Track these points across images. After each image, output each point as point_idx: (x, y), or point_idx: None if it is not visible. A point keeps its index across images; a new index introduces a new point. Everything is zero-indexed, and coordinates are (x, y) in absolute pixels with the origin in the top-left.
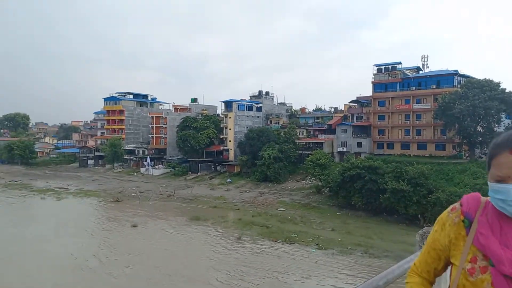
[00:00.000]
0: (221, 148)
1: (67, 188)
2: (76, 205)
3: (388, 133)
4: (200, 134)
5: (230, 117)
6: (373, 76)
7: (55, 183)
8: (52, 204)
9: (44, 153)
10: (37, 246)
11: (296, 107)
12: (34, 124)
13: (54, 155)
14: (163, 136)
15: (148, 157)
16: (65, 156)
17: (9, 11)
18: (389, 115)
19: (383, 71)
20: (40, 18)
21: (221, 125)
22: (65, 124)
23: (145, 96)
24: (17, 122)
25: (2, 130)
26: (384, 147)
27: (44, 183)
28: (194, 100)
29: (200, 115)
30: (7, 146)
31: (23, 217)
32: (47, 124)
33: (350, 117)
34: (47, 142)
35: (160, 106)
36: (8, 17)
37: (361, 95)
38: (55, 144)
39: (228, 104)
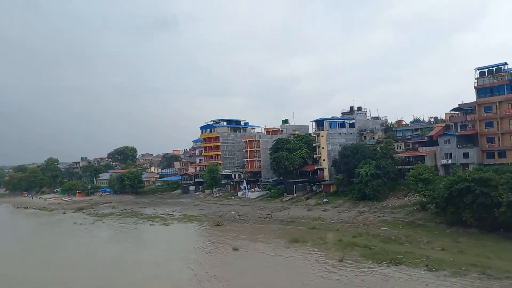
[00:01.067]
0: (315, 167)
1: (172, 214)
2: (181, 230)
3: (499, 141)
4: (293, 154)
5: (322, 136)
6: (476, 81)
7: (161, 210)
8: (160, 229)
9: (151, 182)
10: (158, 271)
11: (391, 120)
12: (141, 155)
13: (159, 184)
14: (257, 159)
15: (244, 180)
16: (169, 184)
17: (123, 50)
18: (498, 121)
19: (486, 74)
20: (147, 53)
21: (314, 145)
22: (167, 153)
23: (238, 122)
24: (126, 154)
25: (114, 163)
26: (495, 156)
27: (152, 210)
28: (285, 121)
29: (292, 136)
30: (119, 178)
31: (138, 243)
32: (152, 154)
33: (453, 126)
34: (152, 172)
35: (253, 130)
36: (121, 55)
37: (463, 102)
38: (160, 173)
39: (319, 123)
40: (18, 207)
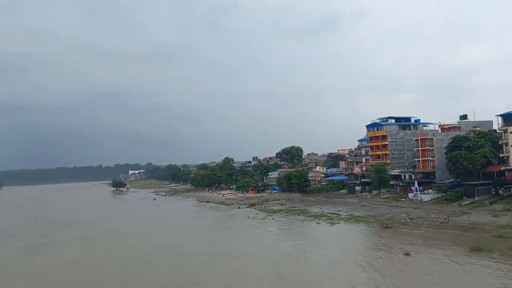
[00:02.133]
0: (502, 168)
1: (338, 213)
2: (348, 230)
3: None
4: (474, 154)
5: (511, 132)
6: None
7: (327, 208)
8: (326, 228)
9: (316, 181)
10: (331, 271)
11: None
12: (306, 155)
13: (325, 183)
14: (430, 159)
15: (416, 181)
16: (334, 184)
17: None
18: None
19: None
20: (314, 55)
21: (500, 142)
22: (332, 153)
23: (408, 119)
24: (293, 154)
25: (281, 162)
26: None
27: (318, 209)
28: (463, 117)
29: (471, 133)
30: (286, 176)
31: (308, 240)
32: (317, 154)
33: None
34: (318, 171)
35: (425, 128)
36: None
37: None
38: (325, 172)
39: (507, 117)
40: (201, 201)
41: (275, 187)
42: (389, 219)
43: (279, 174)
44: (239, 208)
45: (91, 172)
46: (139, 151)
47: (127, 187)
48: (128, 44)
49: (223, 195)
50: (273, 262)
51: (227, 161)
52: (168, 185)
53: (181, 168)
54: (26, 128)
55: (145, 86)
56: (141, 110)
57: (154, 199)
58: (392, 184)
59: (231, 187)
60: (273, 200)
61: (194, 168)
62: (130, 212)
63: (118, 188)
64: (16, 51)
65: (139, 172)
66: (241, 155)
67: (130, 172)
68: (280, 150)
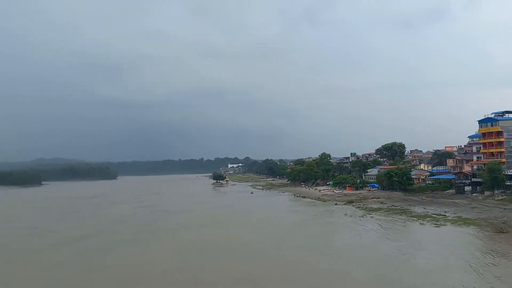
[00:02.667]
0: None
1: (445, 215)
2: (455, 233)
3: None
4: None
5: None
6: None
7: (432, 209)
8: (431, 230)
9: (420, 179)
10: (438, 278)
11: None
12: (409, 152)
13: (430, 182)
14: None
15: None
16: (441, 183)
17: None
18: None
19: None
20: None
21: None
22: (438, 150)
23: None
24: (394, 151)
25: (381, 159)
26: None
27: (421, 209)
28: None
29: None
30: (387, 174)
31: (411, 243)
32: (421, 151)
33: None
34: (422, 169)
35: None
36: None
37: None
38: (430, 171)
39: None
40: (297, 196)
41: (374, 184)
42: (504, 223)
43: (378, 171)
44: (336, 204)
45: (194, 165)
46: (238, 145)
47: (226, 180)
48: (233, 42)
49: (319, 191)
50: (372, 262)
51: (324, 157)
52: (265, 179)
53: (278, 163)
54: (137, 123)
55: (245, 82)
56: (241, 106)
57: (252, 193)
58: (508, 185)
59: (327, 183)
60: (372, 198)
61: (291, 163)
62: (230, 204)
63: (218, 181)
64: (130, 51)
65: (238, 166)
66: (338, 151)
67: (229, 165)
68: (380, 146)
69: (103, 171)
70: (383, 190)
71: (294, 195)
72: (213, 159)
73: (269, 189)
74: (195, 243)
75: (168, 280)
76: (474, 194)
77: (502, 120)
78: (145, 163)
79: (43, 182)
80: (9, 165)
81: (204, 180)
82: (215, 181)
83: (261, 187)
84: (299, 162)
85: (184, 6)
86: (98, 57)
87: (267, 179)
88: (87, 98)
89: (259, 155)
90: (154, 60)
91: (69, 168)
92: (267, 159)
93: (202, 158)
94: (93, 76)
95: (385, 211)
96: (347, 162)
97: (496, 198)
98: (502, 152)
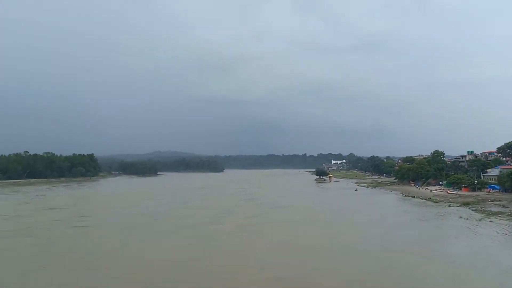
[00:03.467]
0: None
1: None
2: None
3: None
4: None
5: None
6: None
7: None
8: None
9: None
10: None
11: None
12: None
13: None
14: None
15: None
16: None
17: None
18: None
19: None
20: None
21: None
22: None
23: None
24: None
25: (504, 158)
26: None
27: None
28: None
29: None
30: (510, 174)
31: None
32: None
33: None
34: None
35: None
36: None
37: None
38: None
39: None
40: (405, 196)
41: (495, 186)
42: None
43: (500, 171)
44: (449, 206)
45: (296, 160)
46: (341, 141)
47: (330, 176)
48: (336, 37)
49: (430, 190)
50: (496, 275)
51: (437, 155)
52: (370, 177)
53: (384, 160)
54: (241, 119)
55: (347, 77)
56: (344, 101)
57: (356, 190)
58: None
59: (440, 182)
60: (491, 201)
61: (399, 161)
62: (332, 201)
63: (320, 177)
64: (237, 49)
65: (341, 163)
66: (451, 149)
67: (333, 162)
68: (503, 144)
69: (211, 164)
70: (505, 192)
71: (402, 194)
72: (316, 155)
73: (375, 187)
74: (292, 242)
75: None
76: None
77: None
78: (250, 157)
79: (158, 173)
80: (131, 156)
81: (306, 176)
82: (318, 177)
83: (366, 185)
84: (408, 159)
85: (287, 3)
86: (210, 55)
87: (373, 177)
88: (198, 94)
89: (364, 152)
90: (259, 57)
91: (181, 160)
92: (373, 156)
93: (305, 154)
94: (204, 74)
95: (508, 216)
96: (463, 161)
97: None
98: None
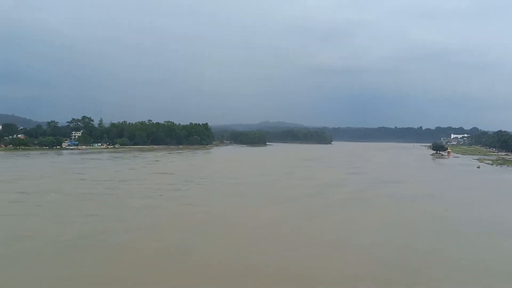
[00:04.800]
0: None
1: None
2: None
3: None
4: None
5: None
6: None
7: None
8: None
9: None
10: None
11: None
12: None
13: None
14: None
15: None
16: None
17: None
18: None
19: None
20: None
21: None
22: None
23: None
24: None
25: None
26: None
27: None
28: None
29: None
30: None
31: None
32: None
33: None
34: None
35: None
36: None
37: None
38: None
39: None
40: None
41: None
42: None
43: None
44: None
45: (411, 133)
46: (463, 114)
47: (448, 152)
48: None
49: None
50: None
51: None
52: (496, 153)
53: None
54: (351, 89)
55: (468, 43)
56: (467, 70)
57: (478, 167)
58: None
59: None
60: None
61: None
62: (449, 179)
63: (438, 152)
64: (345, 17)
65: (462, 137)
66: None
67: (452, 136)
68: None
69: (319, 136)
70: None
71: None
72: (433, 128)
73: (501, 164)
74: (404, 220)
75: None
76: None
77: None
78: (359, 130)
79: (267, 143)
80: (241, 126)
81: (421, 150)
82: (435, 152)
83: (489, 162)
84: None
85: None
86: (318, 23)
87: (499, 153)
88: (307, 64)
89: (489, 126)
90: (370, 23)
91: (289, 131)
92: (500, 130)
93: (420, 127)
94: (312, 43)
95: None
96: None
97: None
98: None
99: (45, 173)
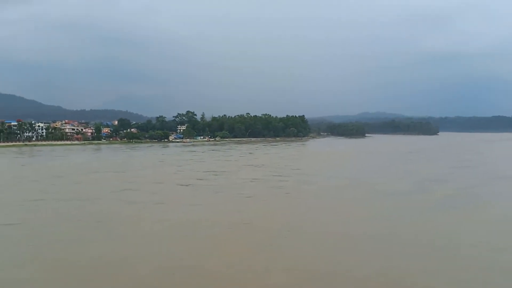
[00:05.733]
0: None
1: None
2: None
3: None
4: None
5: None
6: None
7: None
8: None
9: None
10: None
11: None
12: None
13: None
14: None
15: None
16: None
17: None
18: None
19: None
20: None
21: None
22: None
23: None
24: None
25: None
26: None
27: None
28: None
29: None
30: None
31: None
32: None
33: None
34: None
35: None
36: None
37: None
38: None
39: None
40: None
41: None
42: None
43: None
44: None
45: None
46: None
47: None
48: None
49: None
50: None
51: None
52: None
53: None
54: (460, 76)
55: None
56: None
57: None
58: None
59: None
60: None
61: None
62: None
63: None
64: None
65: None
66: None
67: None
68: None
69: (423, 126)
70: None
71: None
72: None
73: None
74: None
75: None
76: None
77: None
78: (470, 119)
79: (366, 135)
80: (339, 118)
81: None
82: None
83: None
84: None
85: None
86: (423, 9)
87: None
88: (410, 51)
89: None
90: (477, 9)
91: (390, 122)
92: None
93: None
94: (416, 28)
95: None
96: None
97: None
98: None
99: (145, 164)
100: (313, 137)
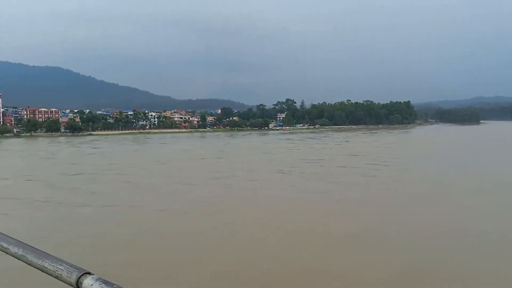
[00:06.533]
0: None
1: None
2: None
3: None
4: None
5: None
6: None
7: None
8: None
9: None
10: None
11: None
12: None
13: None
14: None
15: None
16: None
17: None
18: None
19: None
20: None
21: None
22: None
23: None
24: None
25: None
26: None
27: None
28: None
29: None
30: None
31: None
32: None
33: None
34: None
35: None
36: None
37: None
38: None
39: None
40: None
41: None
42: None
43: None
44: None
45: None
46: None
47: None
48: None
49: None
50: None
51: None
52: None
53: None
54: None
55: None
56: None
57: None
58: None
59: None
60: None
61: None
62: None
63: None
64: None
65: None
66: None
67: None
68: None
69: None
70: None
71: None
72: None
73: None
74: None
75: None
76: None
77: None
78: None
79: (481, 121)
80: (449, 103)
81: None
82: None
83: None
84: None
85: None
86: None
87: None
88: None
89: None
90: None
91: (509, 107)
92: None
93: None
94: None
95: None
96: None
97: None
98: None
99: (242, 153)
100: (419, 124)
